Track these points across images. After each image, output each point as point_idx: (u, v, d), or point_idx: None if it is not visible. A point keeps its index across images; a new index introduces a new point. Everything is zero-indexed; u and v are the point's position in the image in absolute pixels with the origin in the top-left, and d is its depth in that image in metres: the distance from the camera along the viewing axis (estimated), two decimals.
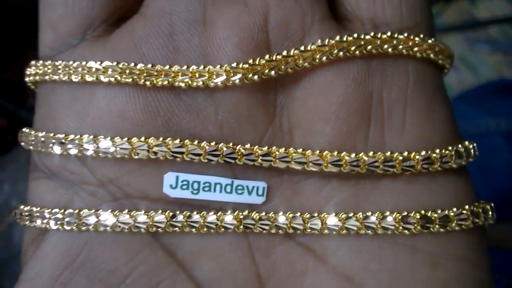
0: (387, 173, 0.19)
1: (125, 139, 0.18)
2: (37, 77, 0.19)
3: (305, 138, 0.19)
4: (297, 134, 0.19)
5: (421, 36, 0.19)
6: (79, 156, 0.19)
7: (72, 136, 0.18)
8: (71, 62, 0.18)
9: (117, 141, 0.18)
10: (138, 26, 0.18)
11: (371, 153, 0.18)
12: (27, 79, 0.20)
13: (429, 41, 0.19)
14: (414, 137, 0.19)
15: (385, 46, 0.19)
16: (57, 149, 0.19)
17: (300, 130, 0.19)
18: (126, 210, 0.19)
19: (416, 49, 0.19)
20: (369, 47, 0.18)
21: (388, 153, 0.19)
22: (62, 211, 0.19)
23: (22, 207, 0.20)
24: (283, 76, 0.18)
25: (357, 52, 0.18)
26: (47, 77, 0.19)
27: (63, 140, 0.19)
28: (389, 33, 0.19)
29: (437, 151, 0.19)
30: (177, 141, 0.18)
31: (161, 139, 0.18)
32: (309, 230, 0.19)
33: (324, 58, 0.18)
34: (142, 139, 0.18)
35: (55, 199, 0.19)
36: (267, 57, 0.18)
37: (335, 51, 0.18)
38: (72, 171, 0.19)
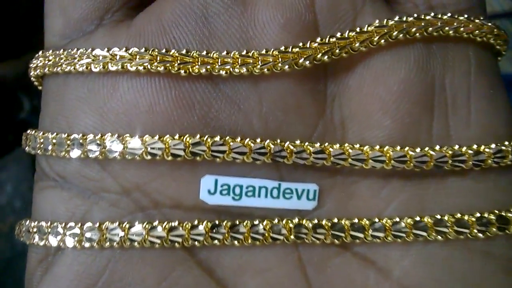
0: (454, 170, 0.16)
1: (157, 137, 0.15)
2: (46, 69, 0.17)
3: (361, 132, 0.16)
4: (351, 128, 0.16)
5: (481, 18, 0.17)
6: (99, 159, 0.16)
7: (91, 136, 0.16)
8: (90, 50, 0.16)
9: (147, 140, 0.15)
10: (167, 7, 0.16)
11: (437, 147, 0.16)
12: (32, 72, 0.18)
13: (489, 24, 0.17)
14: (480, 128, 0.17)
15: (446, 28, 0.16)
16: (74, 153, 0.16)
17: (354, 123, 0.16)
18: (157, 222, 0.16)
19: (476, 32, 0.17)
20: (430, 29, 0.16)
21: (456, 147, 0.16)
22: (80, 225, 0.16)
23: (28, 222, 0.17)
24: (335, 62, 0.16)
25: (418, 34, 0.16)
26: (58, 69, 0.16)
27: (81, 141, 0.16)
28: (449, 14, 0.17)
29: (506, 143, 0.17)
30: (218, 138, 0.15)
31: (198, 136, 0.15)
32: (370, 238, 0.17)
33: (383, 41, 0.16)
34: (177, 137, 0.15)
35: (69, 211, 0.16)
36: (319, 39, 0.16)
37: (395, 33, 0.16)
38: (90, 178, 0.16)
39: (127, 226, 0.16)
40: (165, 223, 0.16)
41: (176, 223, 0.16)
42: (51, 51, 0.17)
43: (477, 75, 0.17)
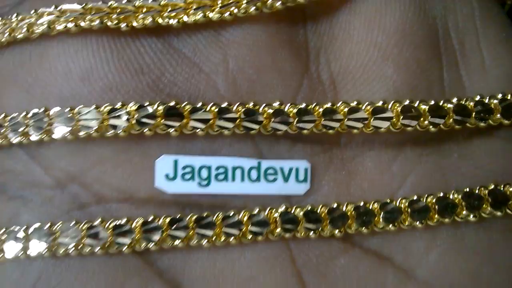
0: (480, 128, 0.13)
1: (93, 107, 0.12)
2: None
3: (357, 89, 0.13)
4: (344, 85, 0.13)
5: None
6: (24, 144, 0.12)
7: (12, 115, 0.12)
8: (11, 16, 0.13)
9: (77, 111, 0.12)
10: None
11: (455, 100, 0.13)
12: None
13: None
14: (499, 75, 0.13)
15: None
16: None
17: (348, 79, 0.13)
18: (99, 220, 0.12)
19: None
20: None
21: (478, 98, 0.13)
22: (2, 230, 0.12)
23: None
24: (314, 8, 0.13)
25: None
26: None
27: (1, 122, 0.12)
28: None
29: None
30: (172, 103, 0.12)
31: (146, 103, 0.12)
32: (381, 226, 0.12)
33: None
34: (118, 105, 0.12)
35: None
36: None
37: None
38: (16, 171, 0.13)
39: (59, 227, 0.12)
40: (109, 221, 0.12)
41: (123, 221, 0.12)
42: None
43: (483, 18, 0.14)
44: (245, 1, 0.12)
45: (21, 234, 0.12)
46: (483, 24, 0.14)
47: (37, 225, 0.12)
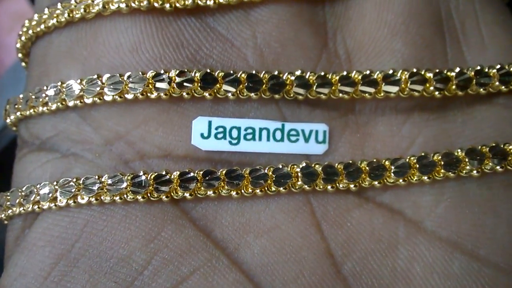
0: (481, 95, 0.14)
1: (139, 73, 0.14)
2: (30, 32, 0.16)
3: (370, 62, 0.15)
4: (358, 59, 0.15)
5: None
6: (78, 106, 0.14)
7: (69, 82, 0.14)
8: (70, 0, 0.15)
9: (126, 77, 0.14)
10: None
11: (457, 69, 0.14)
12: (18, 44, 0.17)
13: None
14: (497, 51, 0.15)
15: None
16: (50, 102, 0.14)
17: (361, 53, 0.15)
18: (141, 173, 0.14)
19: None
20: None
21: (478, 67, 0.14)
22: (55, 183, 0.14)
23: (3, 196, 0.15)
24: None
25: None
26: (42, 26, 0.15)
27: (58, 88, 0.14)
28: None
29: None
30: (207, 70, 0.14)
31: (185, 70, 0.14)
32: (392, 180, 0.14)
33: None
34: (162, 71, 0.14)
35: (47, 172, 0.14)
36: None
37: None
38: (69, 132, 0.14)
39: (106, 179, 0.14)
40: (150, 174, 0.14)
41: (163, 173, 0.14)
42: (36, 14, 0.16)
43: (482, 2, 0.15)
44: None
45: (72, 186, 0.14)
46: (482, 7, 0.15)
47: (86, 177, 0.14)
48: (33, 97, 0.15)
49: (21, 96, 0.15)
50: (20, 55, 0.17)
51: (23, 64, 0.18)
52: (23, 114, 0.15)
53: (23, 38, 0.16)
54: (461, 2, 0.15)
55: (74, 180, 0.14)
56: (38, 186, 0.14)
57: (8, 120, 0.16)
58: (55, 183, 0.14)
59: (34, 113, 0.15)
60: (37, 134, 0.15)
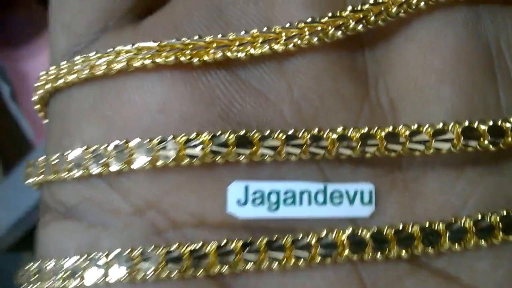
0: None
1: (170, 137, 0.13)
2: (48, 86, 0.15)
3: (416, 111, 0.13)
4: (403, 109, 0.13)
5: None
6: (104, 174, 0.13)
7: (94, 147, 0.13)
8: (91, 54, 0.14)
9: (156, 142, 0.13)
10: (177, 6, 0.14)
11: None
12: (35, 97, 0.16)
13: None
14: None
15: None
16: (74, 170, 0.13)
17: (407, 103, 0.13)
18: (176, 245, 0.13)
19: None
20: None
21: None
22: (83, 258, 0.13)
23: (28, 267, 0.14)
24: (372, 36, 0.14)
25: None
26: (61, 81, 0.14)
27: (82, 157, 0.13)
28: None
29: None
30: (242, 132, 0.13)
31: (219, 133, 0.13)
32: (447, 245, 0.13)
33: (422, 3, 0.13)
34: (193, 135, 0.13)
35: (74, 243, 0.13)
36: (350, 8, 0.13)
37: None
38: (97, 200, 0.13)
39: (138, 254, 0.13)
40: (186, 246, 0.13)
41: (199, 245, 0.13)
42: (54, 66, 0.15)
43: None
44: (308, 33, 0.13)
45: (102, 260, 0.13)
46: None
47: (117, 250, 0.13)
48: (56, 160, 0.14)
49: (42, 158, 0.14)
50: (37, 106, 0.16)
51: (41, 114, 0.17)
52: (45, 178, 0.14)
53: (40, 91, 0.15)
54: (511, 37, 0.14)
55: (105, 254, 0.13)
56: (65, 260, 0.13)
57: (28, 181, 0.15)
58: (83, 257, 0.13)
59: (57, 178, 0.14)
60: (61, 201, 0.14)
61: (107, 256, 0.13)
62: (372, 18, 0.13)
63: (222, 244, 0.13)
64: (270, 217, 0.13)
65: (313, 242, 0.13)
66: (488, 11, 0.14)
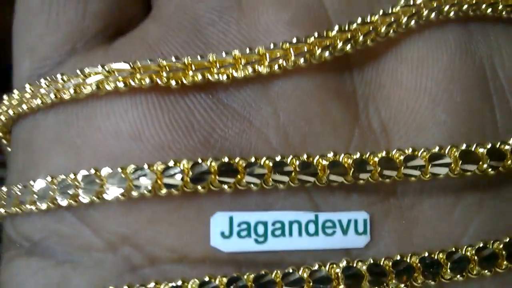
0: None
1: (145, 166, 0.12)
2: (11, 111, 0.14)
3: (410, 135, 0.13)
4: (396, 133, 0.13)
5: None
6: (73, 206, 0.12)
7: (61, 177, 0.12)
8: (58, 76, 0.13)
9: (129, 171, 0.12)
10: (152, 26, 0.13)
11: (511, 141, 0.12)
12: None
13: None
14: None
15: (483, 7, 0.14)
16: (39, 202, 0.12)
17: (399, 126, 0.13)
18: (153, 283, 0.11)
19: None
20: (465, 6, 0.13)
21: None
22: None
23: None
24: (360, 57, 0.13)
25: (452, 13, 0.13)
26: (24, 106, 0.13)
27: (47, 185, 0.12)
28: None
29: None
30: (226, 159, 0.12)
31: (200, 160, 0.12)
32: (449, 276, 0.12)
33: (413, 22, 0.13)
34: (171, 163, 0.12)
35: (40, 283, 0.12)
36: (337, 27, 0.13)
37: (425, 12, 0.13)
38: (65, 234, 0.12)
39: None
40: (163, 284, 0.11)
41: (179, 283, 0.11)
42: (16, 91, 0.14)
43: None
44: (293, 54, 0.12)
45: None
46: None
47: None
48: (19, 193, 0.13)
49: (4, 189, 0.13)
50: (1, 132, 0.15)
51: (4, 141, 0.15)
52: (8, 212, 0.13)
53: (2, 117, 0.14)
54: (506, 57, 0.14)
55: None
56: None
57: None
58: None
59: (20, 212, 0.13)
60: (25, 235, 0.13)
61: None
62: (361, 38, 0.13)
63: (205, 281, 0.11)
64: (257, 250, 0.12)
65: (304, 276, 0.12)
66: (480, 30, 0.14)
